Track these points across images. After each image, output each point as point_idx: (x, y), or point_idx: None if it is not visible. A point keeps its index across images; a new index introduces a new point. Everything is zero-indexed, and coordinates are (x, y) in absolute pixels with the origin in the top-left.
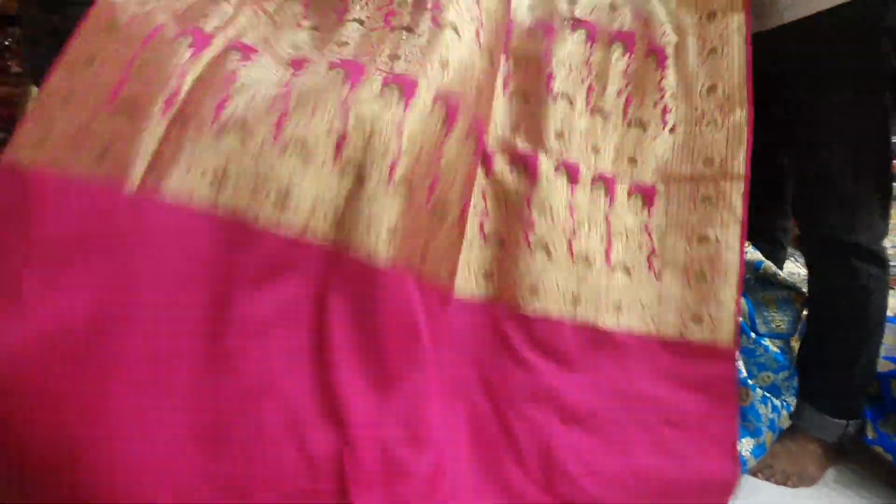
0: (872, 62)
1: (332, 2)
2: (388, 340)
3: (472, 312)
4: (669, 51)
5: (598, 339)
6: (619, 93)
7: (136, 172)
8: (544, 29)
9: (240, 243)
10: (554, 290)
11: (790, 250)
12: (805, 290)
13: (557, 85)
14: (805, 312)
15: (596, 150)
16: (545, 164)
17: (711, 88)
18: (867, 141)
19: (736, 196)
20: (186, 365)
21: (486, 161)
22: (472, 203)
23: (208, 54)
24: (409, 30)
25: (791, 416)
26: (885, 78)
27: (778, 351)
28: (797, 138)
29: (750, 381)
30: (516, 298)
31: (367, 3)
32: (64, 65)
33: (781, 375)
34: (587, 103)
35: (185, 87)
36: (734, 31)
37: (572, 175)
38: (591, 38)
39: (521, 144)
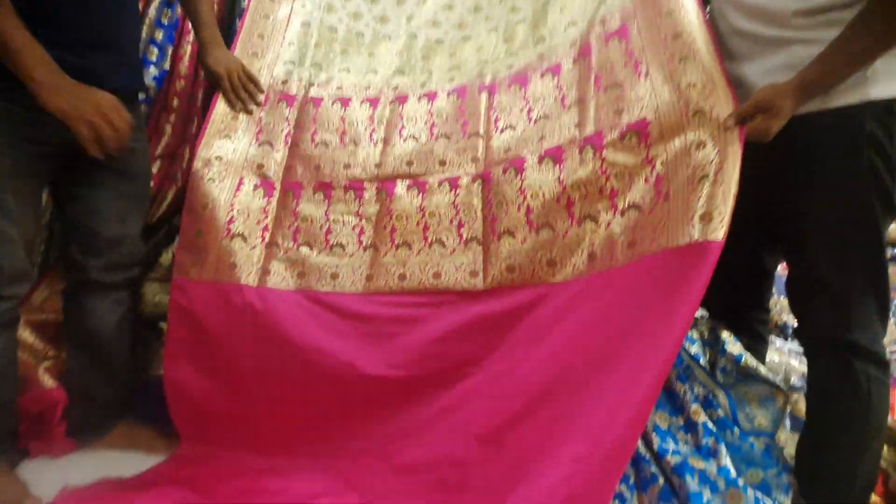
0: (854, 166)
1: None
2: None
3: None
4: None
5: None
6: (588, 79)
7: (252, 276)
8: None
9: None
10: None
11: (772, 337)
12: (785, 384)
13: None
14: (788, 409)
15: (578, 125)
16: (530, 161)
17: (675, 36)
18: (854, 242)
19: (725, 106)
20: None
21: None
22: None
23: (275, 195)
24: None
25: None
26: (868, 182)
27: (763, 448)
28: (785, 237)
29: (740, 481)
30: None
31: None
32: (188, 209)
33: (770, 472)
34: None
35: (270, 223)
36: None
37: (556, 158)
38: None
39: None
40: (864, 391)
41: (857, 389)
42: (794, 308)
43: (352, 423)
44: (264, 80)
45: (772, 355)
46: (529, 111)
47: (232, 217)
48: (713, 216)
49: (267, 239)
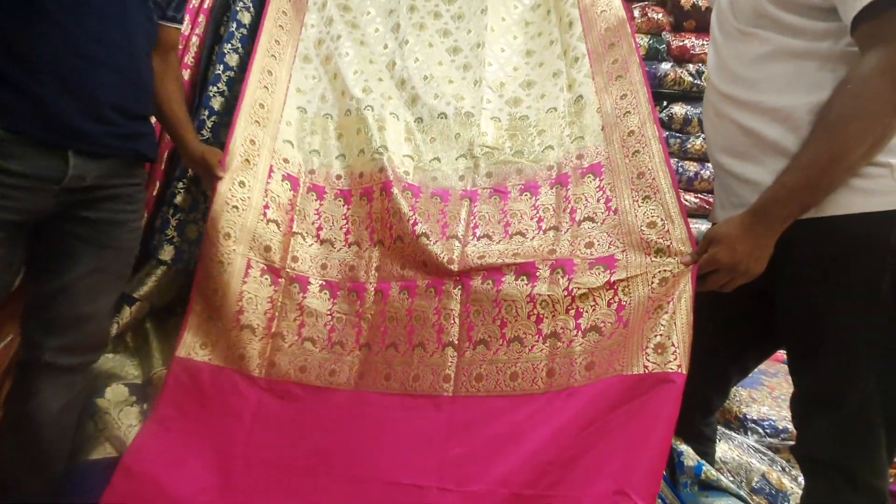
0: (876, 278)
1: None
2: None
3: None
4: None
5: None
6: (565, 209)
7: (256, 366)
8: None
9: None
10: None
11: (731, 433)
12: (747, 485)
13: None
14: None
15: (552, 252)
16: (508, 277)
17: (640, 174)
18: (873, 362)
19: (683, 244)
20: None
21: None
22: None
23: (282, 284)
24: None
25: None
26: (889, 298)
27: None
28: (795, 349)
29: None
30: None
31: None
32: (198, 293)
33: None
34: (539, 228)
35: (276, 313)
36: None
37: (531, 275)
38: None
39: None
40: None
41: None
42: (795, 422)
43: None
44: (266, 154)
45: (731, 452)
46: (507, 225)
47: (241, 307)
48: (666, 347)
49: (273, 330)
